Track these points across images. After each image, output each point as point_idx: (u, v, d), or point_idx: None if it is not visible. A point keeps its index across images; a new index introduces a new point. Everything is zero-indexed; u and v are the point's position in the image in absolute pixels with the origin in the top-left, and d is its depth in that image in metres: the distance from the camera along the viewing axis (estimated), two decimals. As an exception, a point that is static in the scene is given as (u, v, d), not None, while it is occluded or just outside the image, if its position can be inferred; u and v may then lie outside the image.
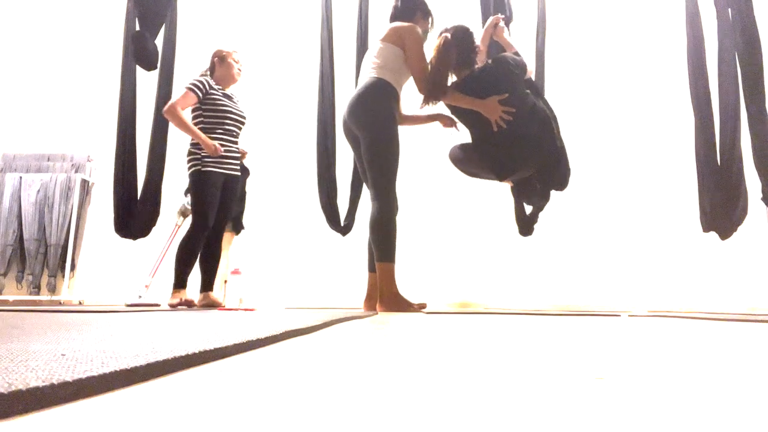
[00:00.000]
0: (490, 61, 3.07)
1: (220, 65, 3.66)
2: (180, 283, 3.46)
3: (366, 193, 4.00)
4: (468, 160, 3.19)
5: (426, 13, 3.20)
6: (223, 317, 1.80)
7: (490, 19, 3.40)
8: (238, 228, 4.21)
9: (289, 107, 5.19)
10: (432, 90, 2.94)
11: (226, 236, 3.92)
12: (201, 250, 3.52)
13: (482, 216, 4.96)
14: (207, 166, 3.48)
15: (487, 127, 2.99)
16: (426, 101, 2.99)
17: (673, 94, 4.42)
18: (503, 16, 3.43)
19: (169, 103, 3.44)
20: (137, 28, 3.46)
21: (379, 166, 2.92)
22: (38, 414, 0.36)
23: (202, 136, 3.40)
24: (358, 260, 4.32)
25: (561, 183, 3.26)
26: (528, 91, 3.07)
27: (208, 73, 3.70)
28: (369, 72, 3.02)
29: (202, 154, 3.47)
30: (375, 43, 3.12)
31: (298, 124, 4.95)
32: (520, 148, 3.03)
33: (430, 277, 4.49)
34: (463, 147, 3.20)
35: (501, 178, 3.23)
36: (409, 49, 2.96)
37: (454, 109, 3.13)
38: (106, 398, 0.42)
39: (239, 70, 3.70)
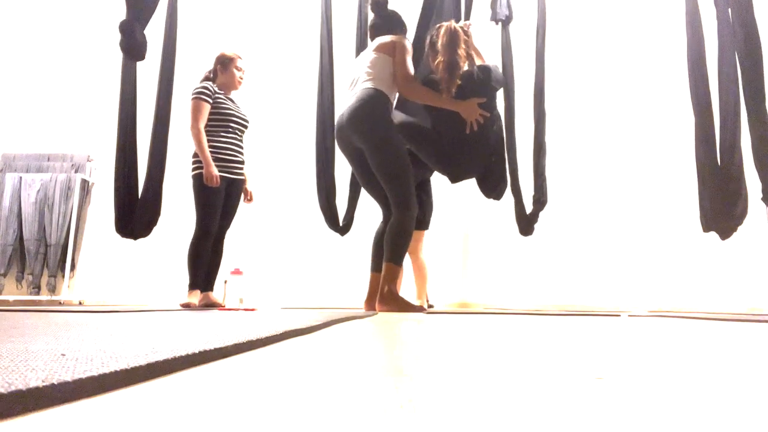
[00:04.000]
0: (476, 68, 3.15)
1: (223, 72, 3.69)
2: (194, 283, 3.52)
3: (364, 194, 4.00)
4: (423, 142, 3.23)
5: (404, 30, 3.32)
6: (223, 317, 1.80)
7: (461, 23, 3.44)
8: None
9: (288, 107, 5.19)
10: (449, 79, 2.99)
11: (416, 234, 3.87)
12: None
13: (482, 216, 4.96)
14: None
15: (451, 128, 3.08)
16: (448, 93, 3.01)
17: (673, 94, 4.42)
18: (470, 23, 3.47)
19: (191, 122, 3.50)
20: (127, 17, 3.42)
21: (393, 176, 2.96)
22: (38, 414, 0.36)
23: (211, 163, 3.46)
24: (357, 260, 4.33)
25: (495, 193, 3.50)
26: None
27: (211, 75, 3.73)
28: (364, 83, 3.04)
29: None
30: (367, 53, 3.18)
31: (297, 123, 4.95)
32: (468, 157, 3.19)
33: (430, 277, 4.47)
34: (421, 128, 3.23)
35: (452, 180, 3.40)
36: (398, 55, 3.03)
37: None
38: (106, 398, 0.42)
39: (241, 78, 3.74)
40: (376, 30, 3.28)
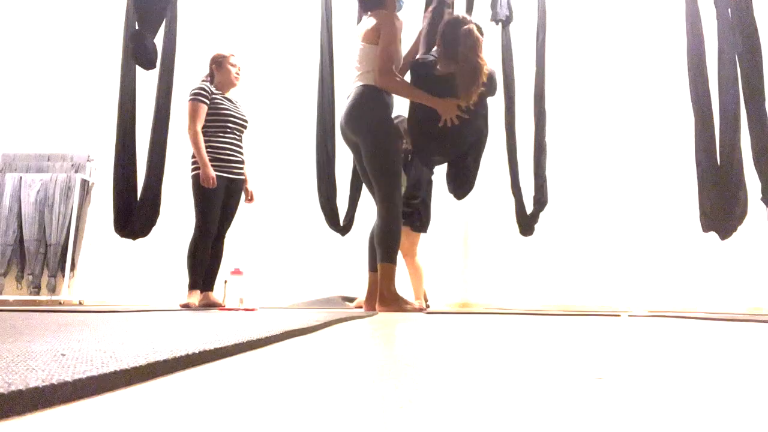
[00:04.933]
0: None
1: (218, 71, 3.69)
2: (194, 284, 3.51)
3: (365, 194, 3.99)
4: (421, 123, 3.19)
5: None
6: (223, 317, 1.80)
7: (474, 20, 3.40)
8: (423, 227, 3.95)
9: (289, 107, 5.19)
10: (471, 85, 2.92)
11: (411, 235, 3.80)
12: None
13: (482, 216, 4.97)
14: None
15: (431, 117, 3.05)
16: (467, 99, 2.96)
17: (673, 94, 4.42)
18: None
19: (188, 123, 3.51)
20: (136, 27, 3.46)
21: (381, 174, 2.99)
22: (38, 414, 0.36)
23: (208, 164, 3.46)
24: (357, 260, 4.33)
25: (459, 191, 3.47)
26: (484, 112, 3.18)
27: (208, 79, 3.72)
28: (356, 81, 3.04)
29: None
30: (356, 42, 3.13)
31: (297, 124, 4.95)
32: (442, 149, 3.19)
33: (430, 277, 4.49)
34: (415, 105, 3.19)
35: (421, 162, 3.43)
36: (381, 41, 2.95)
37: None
38: (106, 398, 0.42)
39: (237, 74, 3.73)
40: (363, 4, 3.20)
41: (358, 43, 3.09)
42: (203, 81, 3.71)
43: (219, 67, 3.69)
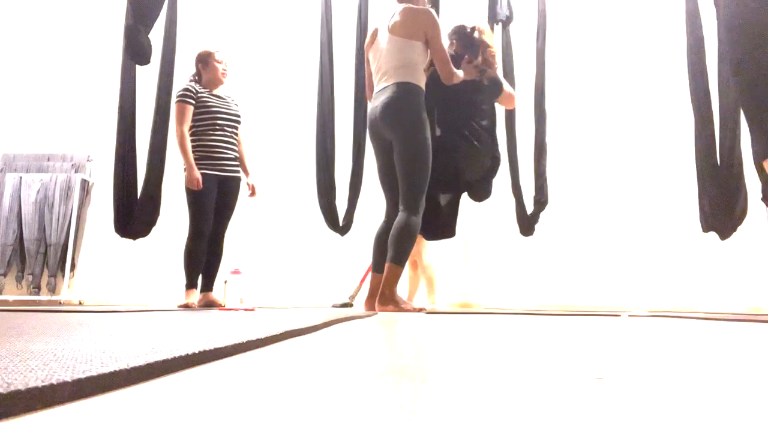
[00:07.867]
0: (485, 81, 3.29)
1: (205, 69, 3.64)
2: (190, 283, 3.51)
3: (364, 194, 3.99)
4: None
5: None
6: (223, 317, 1.80)
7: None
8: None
9: (288, 108, 5.19)
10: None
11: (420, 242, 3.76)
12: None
13: (482, 216, 4.96)
14: (200, 168, 3.48)
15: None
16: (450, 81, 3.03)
17: (673, 94, 4.42)
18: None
19: (175, 125, 3.50)
20: (131, 22, 3.43)
21: (411, 176, 2.91)
22: (38, 414, 0.36)
23: (193, 166, 3.45)
24: (356, 260, 4.33)
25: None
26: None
27: (196, 78, 3.67)
28: (392, 75, 2.96)
29: (195, 156, 3.50)
30: (384, 34, 3.02)
31: (296, 124, 4.95)
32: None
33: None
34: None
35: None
36: (435, 36, 2.92)
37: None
38: (106, 398, 0.42)
39: (224, 70, 3.67)
40: None
41: (385, 32, 2.99)
42: (190, 80, 3.66)
43: (205, 65, 3.64)
